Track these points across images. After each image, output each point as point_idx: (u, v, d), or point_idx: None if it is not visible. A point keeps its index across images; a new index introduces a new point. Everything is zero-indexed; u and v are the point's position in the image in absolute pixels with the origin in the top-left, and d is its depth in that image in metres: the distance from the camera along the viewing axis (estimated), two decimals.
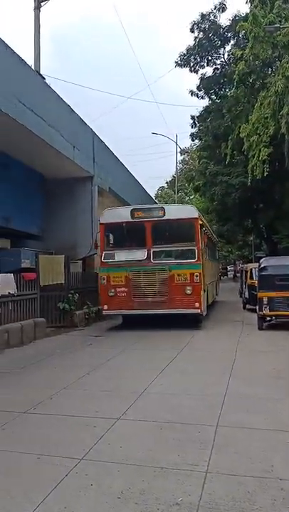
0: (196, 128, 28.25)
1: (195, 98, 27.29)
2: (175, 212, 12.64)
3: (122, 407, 5.17)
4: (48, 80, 13.59)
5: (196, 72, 26.66)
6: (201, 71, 26.72)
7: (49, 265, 12.36)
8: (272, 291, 11.28)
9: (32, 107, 10.81)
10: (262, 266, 12.05)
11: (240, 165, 22.86)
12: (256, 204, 26.38)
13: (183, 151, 46.40)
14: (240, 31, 20.71)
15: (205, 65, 26.58)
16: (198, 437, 4.25)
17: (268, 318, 11.57)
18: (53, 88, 12.93)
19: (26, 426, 4.76)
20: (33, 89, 11.46)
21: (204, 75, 26.79)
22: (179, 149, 42.60)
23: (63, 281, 12.70)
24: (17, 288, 10.70)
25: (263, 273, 11.79)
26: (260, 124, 17.57)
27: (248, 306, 16.08)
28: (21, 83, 10.63)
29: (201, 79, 26.73)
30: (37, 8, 16.11)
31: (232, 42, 25.60)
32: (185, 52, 26.11)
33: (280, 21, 17.18)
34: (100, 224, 12.55)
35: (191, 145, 43.40)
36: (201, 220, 12.73)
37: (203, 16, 25.31)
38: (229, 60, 25.38)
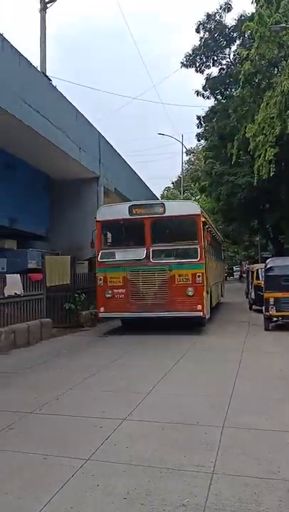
0: (202, 128, 28.23)
1: (201, 98, 27.30)
2: (176, 208, 11.96)
3: (128, 407, 5.18)
4: (53, 82, 13.64)
5: (202, 72, 26.66)
6: (207, 71, 26.73)
7: (55, 266, 12.40)
8: (278, 291, 11.24)
9: (38, 109, 10.85)
10: (268, 266, 12.01)
11: (246, 165, 22.81)
12: (262, 204, 26.31)
13: (189, 152, 46.38)
14: (245, 31, 20.64)
15: (211, 65, 26.56)
16: (205, 438, 4.25)
17: (275, 319, 11.53)
18: (59, 89, 12.99)
19: (33, 426, 4.78)
20: (39, 90, 11.51)
21: (210, 75, 26.78)
22: (184, 149, 42.65)
23: (69, 282, 12.73)
24: (23, 288, 10.75)
25: (269, 273, 11.76)
26: (266, 124, 17.51)
27: (254, 306, 16.04)
28: (27, 84, 10.68)
29: (207, 79, 26.71)
30: (43, 9, 16.16)
31: (238, 42, 25.56)
32: (191, 52, 26.12)
33: (286, 21, 17.11)
34: (96, 221, 11.93)
35: (197, 145, 43.38)
36: (204, 216, 12.14)
37: (208, 16, 25.29)
38: (235, 60, 25.32)
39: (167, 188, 61.68)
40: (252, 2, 20.95)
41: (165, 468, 3.60)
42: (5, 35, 9.69)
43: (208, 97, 27.34)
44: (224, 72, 26.49)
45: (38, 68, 13.37)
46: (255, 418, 4.79)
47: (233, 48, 25.84)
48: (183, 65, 26.49)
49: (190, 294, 10.91)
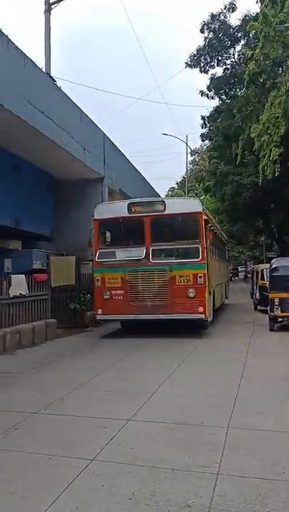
0: (207, 128, 28.20)
1: (205, 98, 27.25)
2: (177, 206, 11.46)
3: (133, 408, 5.18)
4: (57, 82, 13.66)
5: (206, 72, 26.63)
6: (211, 71, 26.69)
7: (60, 266, 12.42)
8: (283, 292, 11.20)
9: (43, 109, 10.88)
10: (273, 267, 11.98)
11: (251, 165, 22.77)
12: (267, 204, 26.26)
13: (193, 152, 46.35)
14: (250, 31, 20.64)
15: (215, 65, 26.53)
16: (209, 439, 4.24)
17: (280, 319, 11.50)
18: (63, 90, 13.01)
19: (38, 426, 4.79)
20: (43, 91, 11.54)
21: (214, 75, 26.74)
22: (189, 150, 42.62)
23: (74, 282, 12.74)
24: (28, 289, 10.78)
25: (274, 274, 11.73)
26: (271, 123, 17.46)
27: (259, 307, 16.00)
28: (32, 85, 10.71)
29: (212, 79, 26.68)
30: (47, 10, 16.19)
31: (242, 42, 25.52)
32: (195, 52, 26.10)
33: None
34: (94, 220, 11.47)
35: (201, 145, 43.33)
36: (206, 215, 11.66)
37: (213, 16, 25.27)
38: (239, 60, 25.28)
39: (172, 189, 61.67)
40: (256, 2, 20.94)
41: (170, 469, 3.59)
42: (10, 37, 9.73)
43: (212, 97, 27.31)
44: (229, 72, 26.46)
45: (43, 69, 13.39)
46: (260, 419, 4.78)
47: (238, 47, 25.83)
48: (187, 65, 26.49)
49: (191, 295, 10.49)
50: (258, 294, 16.30)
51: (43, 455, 3.94)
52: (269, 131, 17.50)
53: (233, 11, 25.13)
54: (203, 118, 27.92)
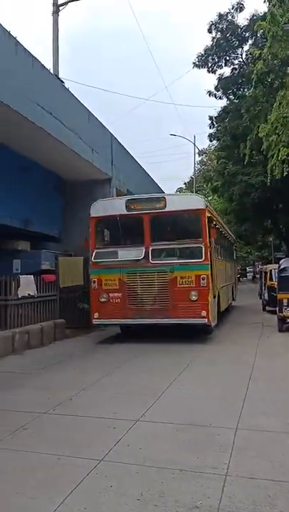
0: (214, 128, 28.17)
1: (213, 99, 27.25)
2: (178, 202, 10.80)
3: (141, 408, 5.18)
4: (65, 83, 13.70)
5: (214, 72, 26.65)
6: (219, 71, 26.71)
7: (68, 267, 12.45)
8: None
9: (51, 110, 10.92)
10: (282, 267, 11.91)
11: (259, 165, 22.70)
12: (276, 204, 26.18)
13: (201, 152, 46.26)
14: (258, 30, 20.58)
15: (223, 65, 26.54)
16: (218, 440, 4.23)
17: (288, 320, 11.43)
18: (71, 92, 13.05)
19: (47, 426, 4.81)
20: (51, 92, 11.58)
21: (222, 75, 26.73)
22: (197, 150, 42.54)
23: (82, 283, 12.77)
24: (37, 289, 10.83)
25: (283, 274, 11.65)
26: (279, 123, 17.36)
27: (267, 307, 15.91)
28: (40, 87, 10.75)
29: (219, 79, 26.66)
30: (55, 12, 16.24)
31: (250, 41, 25.49)
32: (203, 52, 26.11)
33: None
34: (91, 218, 10.92)
35: (209, 145, 43.26)
36: (210, 212, 11.04)
37: (220, 16, 25.27)
38: (247, 59, 25.24)
39: (180, 189, 61.59)
40: (264, 1, 20.93)
41: (178, 470, 3.59)
42: (18, 39, 9.78)
43: (220, 98, 27.31)
44: (236, 72, 26.43)
45: (51, 70, 13.44)
46: (269, 420, 4.75)
47: (246, 47, 25.82)
48: (195, 65, 26.51)
49: (193, 298, 9.83)
50: (266, 295, 16.22)
51: (52, 455, 3.96)
52: (277, 131, 17.41)
53: (240, 11, 25.18)
54: (211, 118, 27.91)
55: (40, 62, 10.77)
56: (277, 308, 11.69)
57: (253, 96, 21.30)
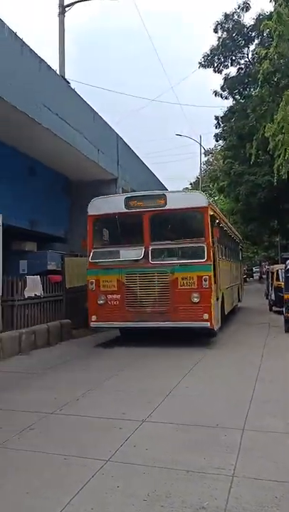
0: (220, 128, 28.14)
1: (219, 99, 27.23)
2: (179, 200, 10.17)
3: (148, 409, 5.18)
4: (71, 84, 13.73)
5: (220, 72, 26.64)
6: (225, 71, 26.71)
7: (75, 267, 12.46)
8: None
9: (57, 111, 10.95)
10: (288, 267, 11.87)
11: (265, 165, 22.64)
12: (282, 204, 26.07)
13: (207, 152, 46.22)
14: (264, 30, 20.53)
15: (229, 65, 26.52)
16: (225, 441, 4.22)
17: None
18: (77, 92, 13.07)
19: (53, 427, 4.82)
20: (57, 93, 11.62)
21: (228, 75, 26.71)
22: (203, 150, 42.48)
23: None
24: (43, 290, 10.86)
25: None
26: (286, 123, 17.29)
27: (274, 308, 15.86)
28: (46, 87, 10.79)
29: (225, 79, 26.64)
30: (61, 13, 16.28)
31: (256, 41, 25.45)
32: (209, 52, 26.10)
33: None
34: (88, 216, 10.56)
35: (215, 145, 43.21)
36: (213, 210, 10.58)
37: (226, 15, 25.26)
38: (253, 59, 25.19)
39: (185, 189, 61.55)
40: (270, 1, 20.91)
41: (185, 471, 3.59)
42: (24, 40, 9.82)
43: (226, 97, 27.30)
44: (242, 71, 26.39)
45: (57, 71, 13.47)
46: (276, 421, 4.73)
47: (252, 47, 25.80)
48: (201, 65, 26.51)
49: (195, 300, 9.37)
50: (273, 295, 16.16)
51: (59, 455, 3.96)
52: (284, 131, 17.35)
53: (246, 11, 25.15)
54: (217, 118, 27.89)
55: (46, 62, 10.82)
56: (283, 309, 11.64)
57: (259, 96, 21.24)
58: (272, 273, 17.12)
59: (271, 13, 20.12)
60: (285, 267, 12.15)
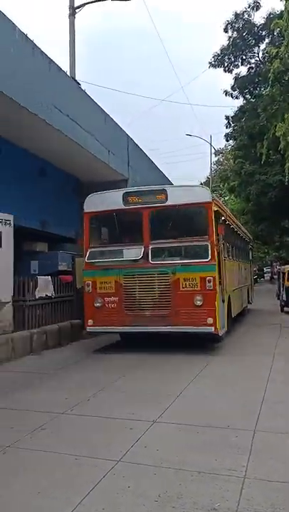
0: (231, 128, 28.07)
1: (229, 98, 27.18)
2: (181, 195, 9.42)
3: (158, 409, 5.18)
4: (82, 85, 13.78)
5: (231, 72, 26.59)
6: (236, 71, 26.66)
7: None
8: None
9: (68, 112, 11.00)
10: None
11: (276, 164, 22.53)
12: None
13: (217, 152, 46.09)
14: (274, 29, 20.44)
15: (239, 64, 26.47)
16: (236, 442, 4.21)
17: None
18: (88, 93, 13.11)
19: (64, 427, 4.84)
20: (68, 94, 11.66)
21: (238, 74, 26.65)
22: (213, 150, 42.38)
23: None
24: (54, 290, 10.90)
25: None
26: None
27: (285, 308, 15.78)
28: (57, 89, 10.83)
29: (236, 78, 26.57)
30: (72, 14, 16.34)
31: (267, 40, 25.36)
32: (219, 52, 26.05)
33: None
34: (84, 213, 9.98)
35: (225, 145, 43.09)
36: (218, 205, 9.95)
37: (237, 15, 25.19)
38: (264, 58, 25.09)
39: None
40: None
41: (196, 472, 3.58)
42: (35, 42, 9.88)
43: (236, 97, 27.24)
44: (253, 71, 26.30)
45: (68, 72, 13.53)
46: (288, 422, 4.71)
47: (262, 46, 25.70)
48: (211, 65, 26.46)
49: (198, 303, 8.72)
50: (284, 296, 16.07)
51: (70, 455, 3.98)
52: None
53: (257, 10, 25.10)
54: (227, 118, 27.85)
55: (56, 64, 10.86)
56: None
57: (269, 95, 21.12)
58: (284, 273, 17.00)
59: (282, 11, 20.04)
60: None
